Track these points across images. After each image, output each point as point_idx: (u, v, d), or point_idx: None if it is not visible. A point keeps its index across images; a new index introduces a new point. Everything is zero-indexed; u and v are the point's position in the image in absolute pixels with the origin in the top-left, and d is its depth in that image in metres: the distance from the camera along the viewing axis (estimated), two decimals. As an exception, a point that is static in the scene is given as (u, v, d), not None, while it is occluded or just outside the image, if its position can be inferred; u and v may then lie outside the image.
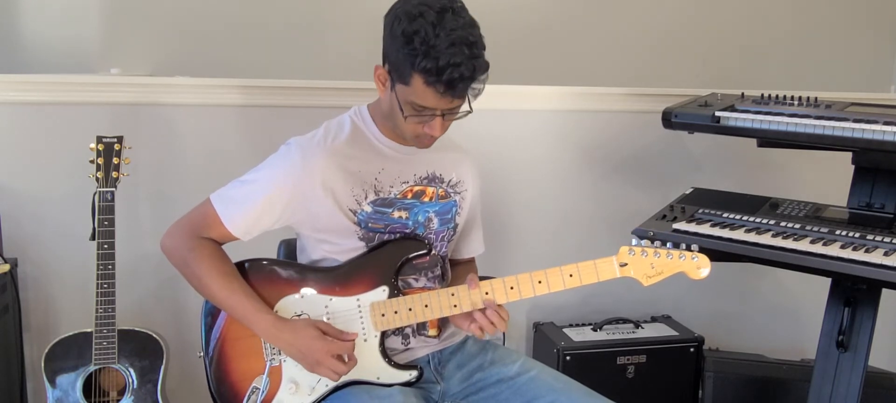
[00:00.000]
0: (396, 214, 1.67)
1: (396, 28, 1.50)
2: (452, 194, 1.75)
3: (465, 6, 1.54)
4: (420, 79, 1.49)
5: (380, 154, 1.68)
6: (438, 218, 1.73)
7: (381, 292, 1.64)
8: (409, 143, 1.67)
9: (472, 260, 1.92)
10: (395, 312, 1.63)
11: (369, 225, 1.65)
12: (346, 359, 1.59)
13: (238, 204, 1.62)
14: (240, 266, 1.67)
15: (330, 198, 1.62)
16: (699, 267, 1.57)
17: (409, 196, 1.69)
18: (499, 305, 1.62)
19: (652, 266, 1.58)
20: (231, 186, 1.65)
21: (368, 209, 1.65)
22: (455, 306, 1.62)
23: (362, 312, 1.64)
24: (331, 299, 1.65)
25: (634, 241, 1.60)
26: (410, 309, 1.63)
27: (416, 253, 1.66)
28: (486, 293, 1.61)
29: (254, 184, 1.63)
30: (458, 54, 1.46)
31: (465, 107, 1.57)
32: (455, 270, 1.85)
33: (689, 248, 1.58)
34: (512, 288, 1.61)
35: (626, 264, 1.59)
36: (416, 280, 1.71)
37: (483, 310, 1.62)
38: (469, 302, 1.62)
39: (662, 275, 1.59)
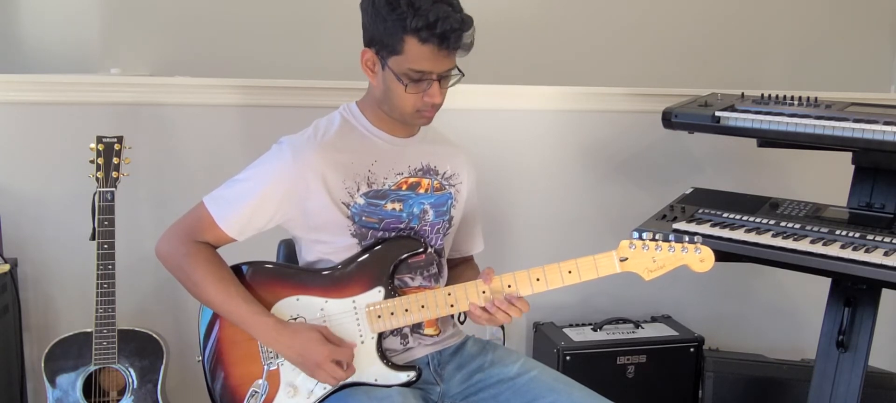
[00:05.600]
0: (390, 206, 1.67)
1: (378, 2, 1.54)
2: (447, 187, 1.75)
3: None
4: (414, 39, 1.52)
5: (372, 146, 1.68)
6: (434, 209, 1.72)
7: (377, 293, 1.63)
8: (403, 131, 1.68)
9: (470, 259, 1.92)
10: (391, 313, 1.62)
11: (363, 219, 1.65)
12: (346, 366, 1.59)
13: (231, 204, 1.62)
14: (236, 269, 1.66)
15: (322, 191, 1.61)
16: (702, 259, 1.56)
17: (404, 187, 1.69)
18: (519, 297, 1.60)
19: (653, 259, 1.57)
20: (223, 187, 1.65)
21: (361, 201, 1.64)
22: (451, 306, 1.62)
23: (358, 314, 1.63)
24: (326, 301, 1.64)
25: (635, 235, 1.58)
26: (406, 310, 1.62)
27: (410, 253, 1.65)
28: (483, 292, 1.60)
29: (246, 182, 1.63)
30: (442, 8, 1.51)
31: (456, 73, 1.60)
32: (454, 270, 1.84)
33: (691, 241, 1.56)
34: (509, 286, 1.60)
35: (626, 259, 1.57)
36: (412, 279, 1.71)
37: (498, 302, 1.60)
38: (466, 302, 1.61)
39: (664, 269, 1.57)
